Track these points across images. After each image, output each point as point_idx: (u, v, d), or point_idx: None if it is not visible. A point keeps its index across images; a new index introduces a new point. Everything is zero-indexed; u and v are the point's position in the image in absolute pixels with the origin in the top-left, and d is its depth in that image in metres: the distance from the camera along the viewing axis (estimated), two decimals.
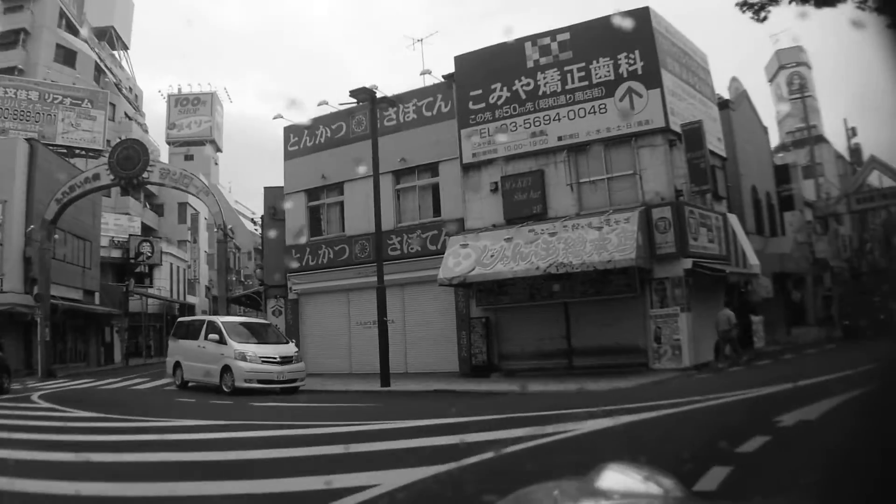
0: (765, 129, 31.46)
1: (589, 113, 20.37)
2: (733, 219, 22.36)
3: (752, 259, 22.02)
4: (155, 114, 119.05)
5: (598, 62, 20.39)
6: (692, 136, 19.72)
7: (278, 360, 18.37)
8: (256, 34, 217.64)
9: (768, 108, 39.20)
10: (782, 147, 43.58)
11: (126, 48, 60.69)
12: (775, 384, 12.41)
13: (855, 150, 43.16)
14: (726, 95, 28.53)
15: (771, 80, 51.92)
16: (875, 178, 33.50)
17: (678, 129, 19.85)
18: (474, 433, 8.71)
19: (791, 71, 50.31)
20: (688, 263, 18.61)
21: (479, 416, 11.14)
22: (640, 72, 19.85)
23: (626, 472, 1.83)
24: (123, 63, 59.85)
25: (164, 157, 63.10)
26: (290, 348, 19.40)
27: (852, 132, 41.74)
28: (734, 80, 29.30)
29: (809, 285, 32.33)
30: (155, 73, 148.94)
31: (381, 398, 16.93)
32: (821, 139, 42.27)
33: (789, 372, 16.00)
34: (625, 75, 20.02)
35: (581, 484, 1.84)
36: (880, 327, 23.15)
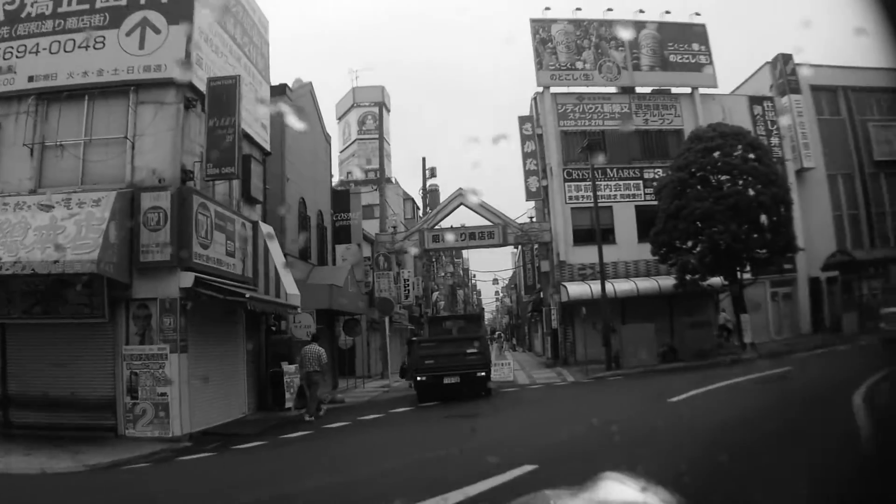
0: (328, 139, 27.21)
1: (80, 47, 13.86)
2: (268, 231, 16.85)
3: (291, 288, 16.79)
4: None
5: None
6: (221, 96, 14.05)
7: None
8: None
9: (334, 147, 35.42)
10: (342, 184, 40.99)
11: None
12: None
13: (433, 192, 42.47)
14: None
15: (340, 118, 49.63)
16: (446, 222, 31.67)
17: (202, 88, 13.89)
18: None
19: (365, 111, 48.48)
20: (188, 279, 12.70)
21: None
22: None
23: (623, 483, 1.79)
24: None
25: None
26: None
27: (431, 173, 40.81)
28: (298, 79, 24.42)
29: (364, 329, 28.57)
30: None
31: None
32: (388, 180, 40.47)
33: (395, 459, 9.12)
34: (142, 2, 13.93)
35: (578, 495, 1.78)
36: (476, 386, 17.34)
